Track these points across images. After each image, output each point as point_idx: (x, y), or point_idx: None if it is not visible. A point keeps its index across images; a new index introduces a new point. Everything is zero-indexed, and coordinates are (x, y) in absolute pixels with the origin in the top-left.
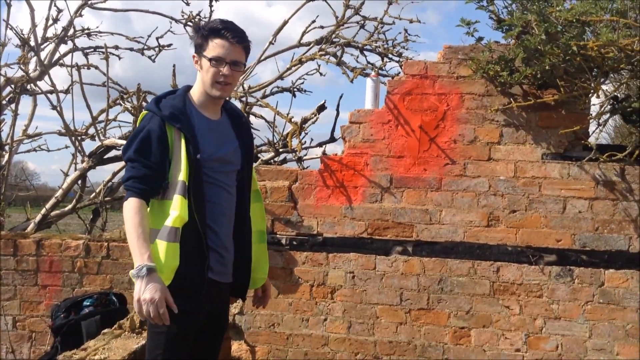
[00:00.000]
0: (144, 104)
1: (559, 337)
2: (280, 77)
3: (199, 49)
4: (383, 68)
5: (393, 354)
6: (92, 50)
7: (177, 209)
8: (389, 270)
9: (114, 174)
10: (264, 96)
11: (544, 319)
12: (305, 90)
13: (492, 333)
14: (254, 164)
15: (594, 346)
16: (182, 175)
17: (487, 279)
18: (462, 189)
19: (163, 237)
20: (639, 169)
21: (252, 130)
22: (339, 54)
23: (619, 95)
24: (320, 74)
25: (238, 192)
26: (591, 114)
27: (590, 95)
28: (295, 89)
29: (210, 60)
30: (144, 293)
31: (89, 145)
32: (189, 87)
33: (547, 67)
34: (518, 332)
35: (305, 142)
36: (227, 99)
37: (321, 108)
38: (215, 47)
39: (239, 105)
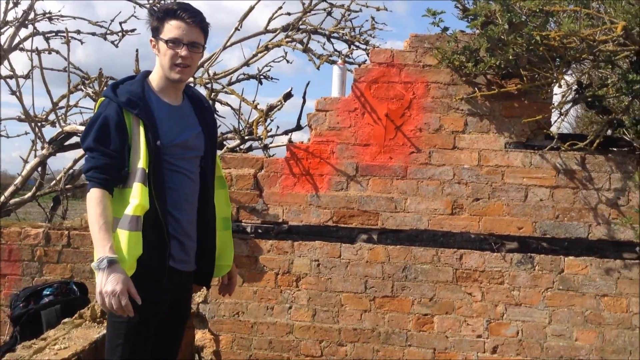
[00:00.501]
0: None
1: (519, 323)
2: (247, 64)
3: (156, 32)
4: (350, 56)
5: (357, 341)
6: (54, 34)
7: (137, 197)
8: (354, 258)
9: (75, 161)
10: (230, 83)
11: (505, 305)
12: (271, 78)
13: (455, 319)
14: (220, 152)
15: (554, 332)
16: (141, 163)
17: (450, 266)
18: (427, 177)
19: (124, 226)
20: (599, 158)
21: (215, 115)
22: (305, 40)
23: (582, 82)
24: (287, 61)
25: (201, 179)
26: (553, 104)
27: (552, 84)
28: (261, 76)
29: (167, 42)
30: (105, 285)
31: (49, 132)
32: (148, 73)
33: (510, 57)
34: (480, 318)
35: (271, 129)
36: (192, 84)
37: (287, 95)
38: (171, 28)
39: (204, 92)
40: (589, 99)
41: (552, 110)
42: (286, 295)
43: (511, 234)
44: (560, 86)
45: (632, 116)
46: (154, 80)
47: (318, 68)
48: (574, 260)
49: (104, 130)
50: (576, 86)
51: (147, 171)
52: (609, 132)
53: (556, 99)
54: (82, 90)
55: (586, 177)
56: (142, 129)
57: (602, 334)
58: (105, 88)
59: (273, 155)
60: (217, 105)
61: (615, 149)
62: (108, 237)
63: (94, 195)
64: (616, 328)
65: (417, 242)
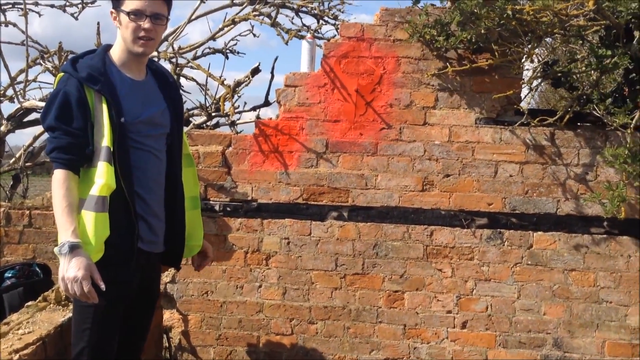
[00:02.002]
0: None
1: (488, 298)
2: (212, 38)
3: (116, 3)
4: (319, 30)
5: (328, 319)
6: (10, 6)
7: (102, 177)
8: (325, 235)
9: (35, 138)
10: (195, 57)
11: (474, 281)
12: (238, 52)
13: (425, 296)
14: (186, 129)
15: (522, 306)
16: (106, 141)
17: (421, 242)
18: (398, 153)
19: (90, 207)
20: (568, 134)
21: (181, 91)
22: (273, 14)
23: (549, 60)
24: (254, 35)
25: (168, 157)
26: (523, 79)
27: (523, 60)
28: (227, 51)
29: (128, 14)
30: (67, 271)
31: (8, 108)
32: (108, 46)
33: (482, 31)
34: (450, 294)
35: (238, 106)
36: (156, 59)
37: (255, 71)
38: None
39: (168, 66)
40: (558, 75)
41: (523, 86)
42: (256, 274)
43: (481, 210)
44: (532, 61)
45: (601, 91)
46: (116, 54)
47: (287, 43)
48: (543, 235)
49: (65, 108)
50: (543, 66)
51: (112, 149)
52: (578, 107)
53: (526, 74)
54: (41, 65)
55: (555, 153)
56: (104, 106)
57: (570, 308)
58: (64, 62)
59: (241, 131)
60: (182, 81)
61: (584, 125)
62: (71, 220)
63: (58, 177)
64: (583, 302)
65: (388, 219)
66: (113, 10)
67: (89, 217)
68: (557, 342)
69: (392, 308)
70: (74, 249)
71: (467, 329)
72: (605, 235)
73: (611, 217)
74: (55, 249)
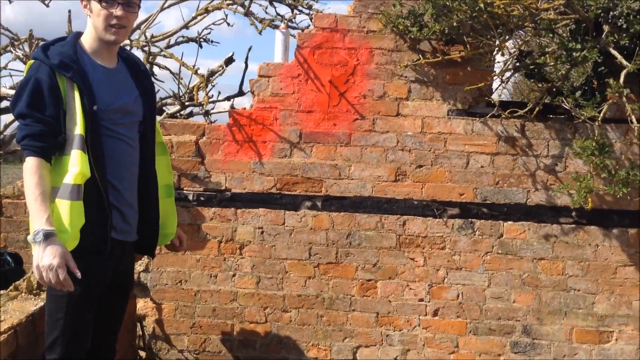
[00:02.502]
0: None
1: (460, 287)
2: (186, 27)
3: None
4: (293, 20)
5: (301, 307)
6: None
7: (77, 165)
8: (298, 225)
9: (6, 126)
10: (168, 46)
11: (446, 269)
12: (212, 41)
13: (398, 284)
14: (159, 118)
15: (492, 294)
16: (78, 129)
17: (393, 232)
18: (371, 144)
19: (65, 195)
20: (538, 125)
21: (153, 80)
22: (247, 3)
23: (523, 50)
24: (228, 24)
25: (141, 145)
26: (495, 71)
27: (495, 52)
28: (201, 39)
29: (100, 1)
30: (42, 259)
31: None
32: (79, 34)
33: (454, 24)
34: (422, 282)
35: (212, 95)
36: (128, 47)
37: (229, 60)
38: None
39: (141, 55)
40: (530, 68)
41: (494, 78)
42: (230, 263)
43: (453, 200)
44: (502, 54)
45: (570, 84)
46: (87, 41)
47: (260, 33)
48: (513, 225)
49: (36, 95)
50: (517, 55)
51: (84, 138)
52: (548, 99)
53: (498, 66)
54: (12, 52)
55: (525, 144)
56: (77, 93)
57: (539, 296)
58: (35, 50)
59: (215, 121)
60: (155, 69)
61: (554, 117)
62: (44, 208)
63: (30, 165)
64: (552, 290)
65: (361, 209)
66: None
67: (64, 205)
68: (526, 329)
69: (365, 296)
70: (48, 236)
71: (438, 317)
72: (573, 225)
73: (579, 207)
74: (29, 237)
